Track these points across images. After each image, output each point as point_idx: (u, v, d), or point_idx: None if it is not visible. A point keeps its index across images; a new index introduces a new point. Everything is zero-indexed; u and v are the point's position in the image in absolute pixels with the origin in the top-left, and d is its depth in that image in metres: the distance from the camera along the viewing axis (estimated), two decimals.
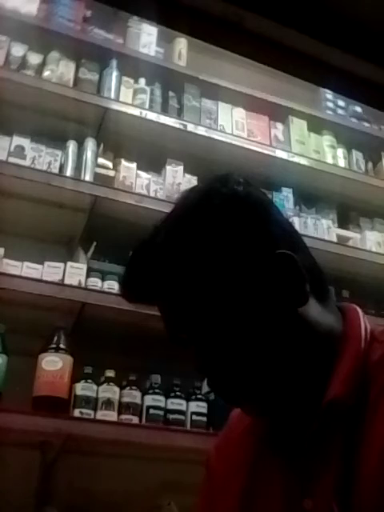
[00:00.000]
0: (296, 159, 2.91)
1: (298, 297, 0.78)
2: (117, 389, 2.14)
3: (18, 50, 2.58)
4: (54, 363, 2.03)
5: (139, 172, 2.65)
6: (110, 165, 2.63)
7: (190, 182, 2.67)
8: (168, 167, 2.70)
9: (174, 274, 0.79)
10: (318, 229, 2.87)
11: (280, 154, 2.89)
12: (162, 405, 2.18)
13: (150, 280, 0.81)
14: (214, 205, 0.80)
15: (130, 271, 0.85)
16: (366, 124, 3.29)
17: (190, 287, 0.78)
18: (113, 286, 2.30)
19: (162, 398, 2.19)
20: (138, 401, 2.15)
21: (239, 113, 2.97)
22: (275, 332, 0.77)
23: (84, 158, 2.54)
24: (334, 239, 2.89)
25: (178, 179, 2.67)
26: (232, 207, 0.80)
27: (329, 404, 0.75)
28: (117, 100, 2.67)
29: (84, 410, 2.06)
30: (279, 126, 3.06)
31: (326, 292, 0.85)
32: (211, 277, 0.77)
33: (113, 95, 2.69)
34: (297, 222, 2.79)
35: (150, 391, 2.19)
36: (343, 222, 3.07)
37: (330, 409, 0.75)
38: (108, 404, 2.10)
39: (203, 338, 0.79)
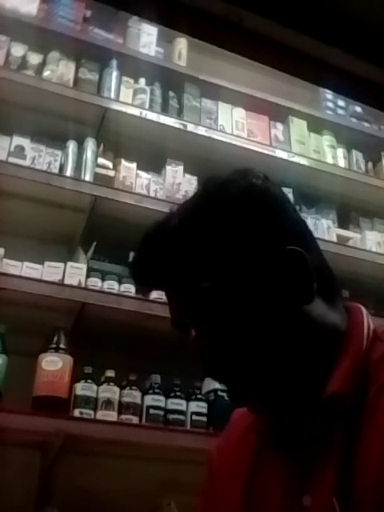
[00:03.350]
0: (296, 159, 2.91)
1: (304, 294, 0.78)
2: (117, 389, 2.14)
3: (18, 50, 2.58)
4: (53, 363, 2.03)
5: (139, 172, 2.66)
6: (110, 165, 2.63)
7: (189, 182, 2.67)
8: (168, 167, 2.70)
9: (184, 259, 0.80)
10: (318, 229, 2.87)
11: (280, 153, 2.89)
12: (162, 405, 2.18)
13: (161, 263, 0.82)
14: (230, 195, 0.81)
15: (141, 254, 0.86)
16: (366, 124, 3.29)
17: (199, 273, 0.79)
18: (113, 285, 2.30)
19: (162, 398, 2.19)
20: (138, 401, 2.15)
21: (239, 113, 2.97)
22: (278, 326, 0.78)
23: (84, 158, 2.54)
24: (334, 239, 2.89)
25: (178, 179, 2.68)
26: (247, 199, 0.81)
27: (328, 399, 0.75)
28: (117, 100, 2.67)
29: (84, 410, 2.06)
30: (279, 126, 3.06)
31: (335, 293, 0.85)
32: (221, 264, 0.78)
33: (113, 95, 2.69)
34: None
35: (150, 391, 2.19)
36: (343, 222, 3.07)
37: (329, 404, 0.75)
38: (108, 404, 2.10)
39: (208, 327, 0.79)
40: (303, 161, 2.93)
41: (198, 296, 0.79)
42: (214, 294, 0.78)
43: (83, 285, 2.26)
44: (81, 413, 2.06)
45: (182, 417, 2.18)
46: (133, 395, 2.15)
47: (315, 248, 0.85)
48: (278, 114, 3.06)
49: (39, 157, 2.48)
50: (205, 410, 2.22)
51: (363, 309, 0.86)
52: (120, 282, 2.32)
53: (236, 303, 0.78)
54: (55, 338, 2.08)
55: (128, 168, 2.63)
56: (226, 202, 0.81)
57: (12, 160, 2.40)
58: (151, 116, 2.68)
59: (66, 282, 2.24)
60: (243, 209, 0.80)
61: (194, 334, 0.80)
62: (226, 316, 0.78)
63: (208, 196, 0.83)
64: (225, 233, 0.79)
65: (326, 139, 3.13)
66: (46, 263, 2.27)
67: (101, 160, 2.59)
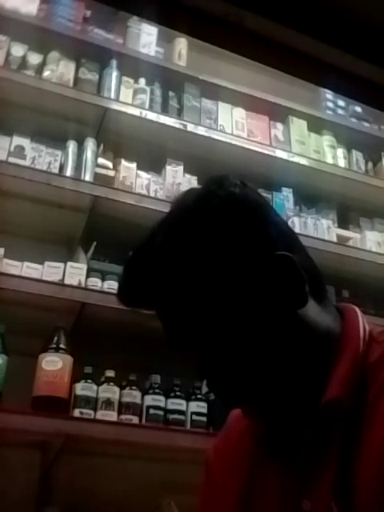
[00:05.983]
0: (296, 159, 2.91)
1: (298, 298, 0.77)
2: (117, 389, 2.14)
3: (18, 50, 2.58)
4: (53, 363, 2.03)
5: (139, 172, 2.65)
6: (110, 165, 2.63)
7: (189, 182, 2.67)
8: (168, 167, 2.70)
9: (172, 278, 0.78)
10: (317, 229, 2.87)
11: (280, 153, 2.89)
12: (162, 405, 2.18)
13: (148, 284, 0.80)
14: (211, 207, 0.79)
15: (127, 276, 0.85)
16: (366, 124, 3.29)
17: (189, 291, 0.77)
18: (113, 286, 2.30)
19: (162, 398, 2.19)
20: (138, 401, 2.15)
21: (239, 113, 2.97)
22: (275, 334, 0.77)
23: (84, 158, 2.54)
24: (334, 239, 2.89)
25: (178, 179, 2.67)
26: (230, 209, 0.79)
27: (327, 405, 0.75)
28: (117, 100, 2.67)
29: (84, 410, 2.06)
30: (279, 126, 3.06)
31: (323, 292, 0.84)
32: (210, 280, 0.76)
33: (113, 95, 2.69)
34: (297, 222, 2.79)
35: (150, 391, 2.19)
36: (343, 222, 3.07)
37: (328, 409, 0.75)
38: (108, 404, 2.10)
39: (203, 342, 0.78)
40: (303, 161, 2.93)
41: (191, 314, 0.77)
42: (209, 310, 0.76)
43: (83, 285, 2.26)
44: (81, 413, 2.06)
45: (181, 417, 2.18)
46: (133, 395, 2.15)
47: (301, 248, 0.84)
48: (277, 114, 3.06)
49: (39, 157, 2.48)
50: (205, 410, 2.22)
51: (357, 310, 0.85)
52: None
53: (232, 316, 0.76)
54: (55, 338, 2.08)
55: (128, 168, 2.63)
56: (208, 215, 0.78)
57: (12, 160, 2.40)
58: (151, 116, 2.68)
59: (66, 282, 2.24)
60: (226, 220, 0.78)
61: (191, 351, 0.79)
62: (224, 330, 0.77)
63: (189, 211, 0.80)
64: (211, 247, 0.77)
65: (326, 139, 3.13)
66: (46, 263, 2.27)
67: (101, 160, 2.59)
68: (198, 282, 0.77)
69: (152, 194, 2.59)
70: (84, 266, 2.31)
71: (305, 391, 0.78)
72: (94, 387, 2.11)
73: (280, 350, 0.77)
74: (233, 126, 2.91)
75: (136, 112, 2.65)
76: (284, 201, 2.87)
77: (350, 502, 0.70)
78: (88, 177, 2.49)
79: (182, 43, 2.95)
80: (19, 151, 2.45)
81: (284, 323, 0.77)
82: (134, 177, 2.62)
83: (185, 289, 0.77)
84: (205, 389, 2.26)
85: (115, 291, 2.23)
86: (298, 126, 3.07)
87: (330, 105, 3.28)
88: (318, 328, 0.80)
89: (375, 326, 0.83)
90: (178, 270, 0.78)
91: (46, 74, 2.61)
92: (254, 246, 0.78)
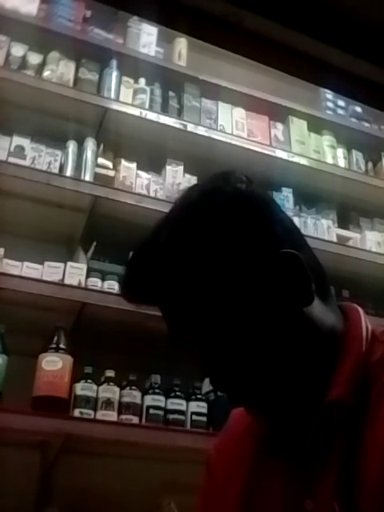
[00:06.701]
0: (296, 159, 2.91)
1: (304, 297, 0.77)
2: (117, 389, 2.14)
3: (18, 50, 2.58)
4: (53, 363, 2.03)
5: (139, 172, 2.66)
6: (110, 165, 2.63)
7: (189, 182, 2.67)
8: (168, 167, 2.70)
9: (178, 275, 0.77)
10: (318, 229, 2.87)
11: (280, 153, 2.89)
12: (162, 405, 2.18)
13: (154, 280, 0.79)
14: (218, 203, 0.78)
15: (131, 271, 0.84)
16: (366, 124, 3.29)
17: (195, 288, 0.76)
18: (113, 286, 2.30)
19: (162, 398, 2.19)
20: (138, 401, 2.15)
21: (239, 113, 2.97)
22: (280, 332, 0.77)
23: (84, 158, 2.54)
24: (334, 239, 2.89)
25: (178, 179, 2.68)
26: (236, 206, 0.78)
27: (330, 404, 0.75)
28: (117, 100, 2.68)
29: (84, 410, 2.06)
30: (279, 126, 3.06)
31: (328, 291, 0.84)
32: (216, 278, 0.76)
33: (113, 95, 2.69)
34: (297, 222, 2.76)
35: (150, 391, 2.19)
36: (343, 222, 3.07)
37: (330, 409, 0.75)
38: (108, 404, 2.10)
39: (208, 339, 0.78)
40: (303, 161, 2.93)
41: (197, 311, 0.77)
42: (215, 307, 0.76)
43: (83, 285, 2.26)
44: (81, 413, 2.05)
45: (181, 417, 2.18)
46: (133, 395, 2.15)
47: (305, 245, 0.83)
48: (277, 114, 3.06)
49: (39, 157, 2.48)
50: (205, 410, 2.22)
51: (360, 309, 0.85)
52: (120, 282, 2.32)
53: (237, 314, 0.76)
54: (55, 338, 2.08)
55: (128, 168, 2.63)
56: (214, 211, 0.78)
57: (12, 160, 2.40)
58: (151, 116, 2.68)
59: (66, 282, 2.24)
60: (232, 217, 0.77)
61: (195, 349, 0.79)
62: (230, 328, 0.76)
63: (194, 207, 0.80)
64: (217, 244, 0.76)
65: (326, 139, 3.13)
66: (46, 263, 2.27)
67: (101, 160, 2.59)
68: (204, 279, 0.76)
69: (152, 194, 2.60)
70: (84, 266, 2.31)
71: (308, 390, 0.78)
72: (94, 387, 2.11)
73: (285, 348, 0.77)
74: (233, 126, 2.91)
75: (136, 112, 2.66)
76: (284, 201, 2.87)
77: (353, 502, 0.70)
78: (88, 177, 2.49)
79: (181, 43, 2.95)
80: (19, 151, 2.45)
81: (290, 321, 0.77)
82: (133, 177, 2.63)
83: (190, 286, 0.77)
84: (205, 389, 2.26)
85: (115, 291, 2.26)
86: (298, 126, 3.07)
87: (330, 105, 3.28)
88: (323, 326, 0.79)
89: (378, 325, 0.83)
90: (183, 267, 0.77)
91: (46, 74, 2.61)
92: (260, 244, 0.77)
